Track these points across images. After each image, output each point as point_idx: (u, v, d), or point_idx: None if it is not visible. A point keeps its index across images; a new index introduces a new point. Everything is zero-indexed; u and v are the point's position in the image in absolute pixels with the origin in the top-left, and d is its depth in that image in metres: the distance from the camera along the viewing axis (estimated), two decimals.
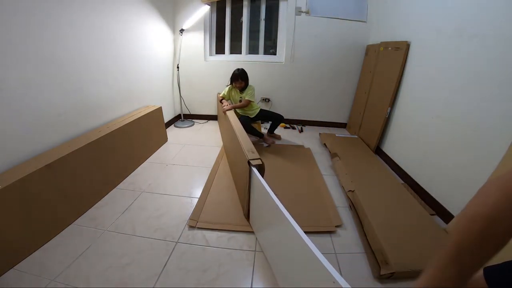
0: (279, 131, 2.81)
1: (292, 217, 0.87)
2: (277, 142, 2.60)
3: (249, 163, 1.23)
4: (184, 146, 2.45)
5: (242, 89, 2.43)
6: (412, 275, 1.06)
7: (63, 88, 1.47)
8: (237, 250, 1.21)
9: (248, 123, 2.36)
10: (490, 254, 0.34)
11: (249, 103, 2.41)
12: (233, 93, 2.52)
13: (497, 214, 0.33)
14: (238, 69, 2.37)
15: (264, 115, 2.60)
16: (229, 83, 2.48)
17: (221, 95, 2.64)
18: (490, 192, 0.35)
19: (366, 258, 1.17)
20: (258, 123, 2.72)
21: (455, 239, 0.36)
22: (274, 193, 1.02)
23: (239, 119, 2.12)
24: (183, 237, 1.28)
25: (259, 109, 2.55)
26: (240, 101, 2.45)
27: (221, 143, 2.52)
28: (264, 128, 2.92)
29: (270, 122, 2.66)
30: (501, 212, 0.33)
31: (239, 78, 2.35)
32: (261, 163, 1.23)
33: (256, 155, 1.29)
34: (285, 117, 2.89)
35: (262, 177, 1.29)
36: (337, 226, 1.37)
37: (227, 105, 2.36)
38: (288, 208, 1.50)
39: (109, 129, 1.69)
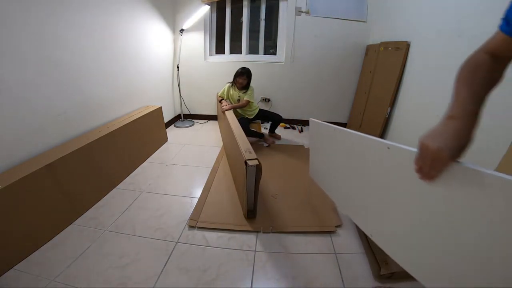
0: (279, 131, 2.81)
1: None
2: (277, 142, 2.60)
3: (246, 163, 1.23)
4: (184, 146, 2.45)
5: (243, 88, 2.43)
6: None
7: (63, 88, 1.47)
8: (237, 250, 1.21)
9: (247, 126, 2.36)
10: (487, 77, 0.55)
11: (248, 103, 2.41)
12: (231, 92, 2.52)
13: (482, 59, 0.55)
14: (244, 68, 2.40)
15: (263, 115, 2.61)
16: (232, 80, 2.48)
17: (219, 94, 2.64)
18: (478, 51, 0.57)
19: (366, 258, 1.17)
20: (258, 122, 2.72)
21: (463, 74, 0.58)
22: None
23: (238, 120, 2.12)
24: (183, 237, 1.28)
25: (258, 109, 2.56)
26: (239, 100, 2.45)
27: (221, 143, 2.52)
28: (264, 128, 2.92)
29: (270, 122, 2.66)
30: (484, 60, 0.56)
31: (245, 75, 2.37)
32: (258, 163, 1.23)
33: (253, 155, 1.29)
34: (285, 117, 2.88)
35: (260, 178, 1.29)
36: (337, 226, 1.37)
37: (226, 105, 2.36)
38: (288, 208, 1.51)
39: (109, 129, 1.69)
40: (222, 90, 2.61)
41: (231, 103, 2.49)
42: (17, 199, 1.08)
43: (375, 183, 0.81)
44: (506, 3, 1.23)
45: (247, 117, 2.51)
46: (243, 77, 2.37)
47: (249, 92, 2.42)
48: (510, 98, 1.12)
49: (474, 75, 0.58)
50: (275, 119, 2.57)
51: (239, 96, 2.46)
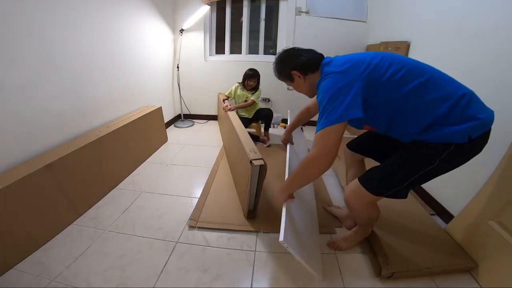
0: (280, 131, 2.80)
1: None
2: (276, 142, 2.58)
3: (251, 163, 1.22)
4: (184, 146, 2.45)
5: (252, 89, 2.44)
6: (412, 274, 1.06)
7: (63, 88, 1.47)
8: (237, 250, 1.21)
9: (245, 124, 2.35)
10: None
11: (253, 103, 2.43)
12: (238, 92, 2.52)
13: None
14: (254, 70, 2.40)
15: (257, 116, 2.56)
16: (242, 81, 2.47)
17: (226, 93, 2.62)
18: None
19: (366, 258, 1.17)
20: (258, 123, 2.71)
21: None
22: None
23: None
24: (183, 237, 1.28)
25: (257, 109, 2.55)
26: (246, 101, 2.45)
27: (221, 143, 2.52)
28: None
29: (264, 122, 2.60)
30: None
31: (256, 77, 2.39)
32: (263, 163, 1.22)
33: (259, 155, 1.28)
34: (285, 117, 2.86)
35: (264, 178, 1.29)
36: (337, 227, 1.37)
37: (229, 105, 2.36)
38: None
39: (109, 129, 1.69)
40: (229, 90, 2.59)
41: (236, 103, 2.49)
42: (17, 199, 1.08)
43: None
44: (505, 3, 1.23)
45: (247, 117, 2.50)
46: (253, 79, 2.38)
47: (257, 93, 2.44)
48: (510, 98, 1.12)
49: (296, 117, 1.51)
50: (267, 117, 2.51)
51: (246, 97, 2.46)
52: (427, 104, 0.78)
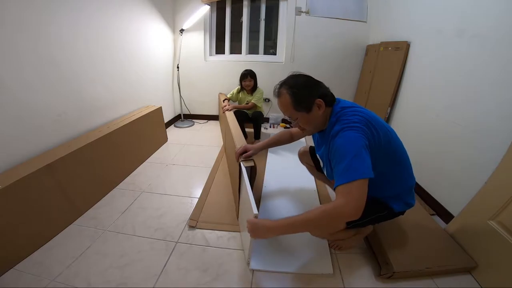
0: (279, 131, 2.78)
1: None
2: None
3: (240, 164, 1.21)
4: (184, 146, 2.45)
5: (251, 90, 2.43)
6: (412, 275, 1.06)
7: (63, 89, 1.47)
8: (237, 250, 1.21)
9: (242, 121, 2.30)
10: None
11: (254, 105, 2.42)
12: (240, 95, 2.51)
13: None
14: (246, 69, 2.41)
15: (251, 118, 2.51)
16: (239, 84, 2.47)
17: (228, 95, 2.61)
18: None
19: (366, 258, 1.17)
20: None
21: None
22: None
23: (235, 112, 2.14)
24: (183, 237, 1.28)
25: (256, 109, 2.53)
26: (247, 103, 2.45)
27: (221, 143, 2.52)
28: (264, 128, 2.92)
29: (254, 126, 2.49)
30: None
31: (248, 75, 2.36)
32: (253, 164, 1.21)
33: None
34: (285, 117, 2.84)
35: (255, 177, 1.28)
36: None
37: (227, 105, 2.36)
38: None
39: (109, 129, 1.69)
40: (231, 92, 2.59)
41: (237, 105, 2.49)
42: (17, 199, 1.08)
43: None
44: (504, 3, 1.23)
45: (246, 113, 2.47)
46: (248, 79, 2.37)
47: (257, 95, 2.42)
48: (509, 98, 1.12)
49: (276, 136, 1.37)
50: (256, 118, 2.42)
51: (247, 101, 2.45)
52: (403, 188, 1.02)
